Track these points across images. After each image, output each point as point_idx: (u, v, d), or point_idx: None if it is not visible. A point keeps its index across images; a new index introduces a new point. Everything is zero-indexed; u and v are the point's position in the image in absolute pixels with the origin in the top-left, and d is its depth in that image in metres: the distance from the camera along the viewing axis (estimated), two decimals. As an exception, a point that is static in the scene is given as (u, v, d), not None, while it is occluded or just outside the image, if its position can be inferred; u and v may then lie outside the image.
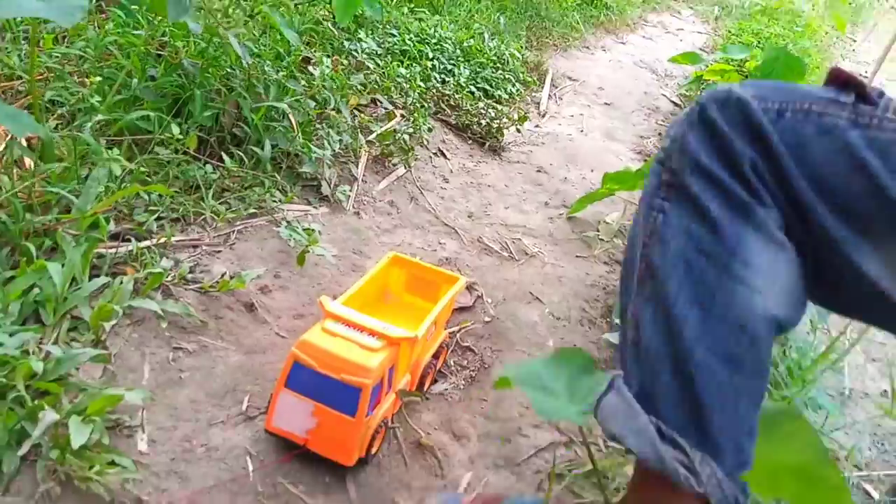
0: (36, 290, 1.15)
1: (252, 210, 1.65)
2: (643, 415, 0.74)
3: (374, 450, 1.12)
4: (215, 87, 1.77)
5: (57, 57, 1.64)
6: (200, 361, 1.23)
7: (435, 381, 1.36)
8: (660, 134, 3.23)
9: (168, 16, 1.57)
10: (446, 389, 1.35)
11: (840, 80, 0.73)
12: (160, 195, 1.51)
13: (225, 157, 1.69)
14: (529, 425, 1.31)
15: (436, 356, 1.34)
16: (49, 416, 0.93)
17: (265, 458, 1.08)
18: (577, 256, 2.01)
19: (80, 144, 1.41)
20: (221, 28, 1.73)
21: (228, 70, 1.82)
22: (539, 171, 2.52)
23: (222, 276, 1.40)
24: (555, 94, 3.36)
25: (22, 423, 0.94)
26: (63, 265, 1.18)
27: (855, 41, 8.13)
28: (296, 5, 2.39)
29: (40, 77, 1.59)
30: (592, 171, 2.62)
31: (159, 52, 1.76)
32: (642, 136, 3.20)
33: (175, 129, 1.57)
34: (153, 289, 1.29)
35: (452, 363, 1.43)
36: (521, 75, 3.21)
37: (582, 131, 3.03)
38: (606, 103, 3.46)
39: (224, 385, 1.20)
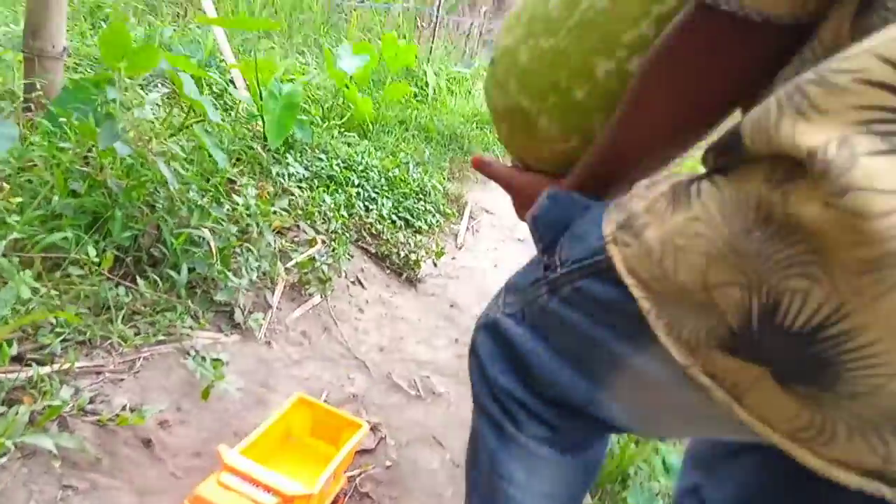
0: (-78, 421, 1.11)
1: (161, 336, 1.64)
2: None
3: None
4: (138, 206, 1.78)
5: (-24, 167, 1.64)
6: (90, 502, 1.19)
7: (330, 531, 1.36)
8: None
9: (99, 143, 1.61)
10: (341, 541, 1.35)
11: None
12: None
13: (139, 279, 1.69)
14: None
15: (333, 505, 1.34)
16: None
17: None
18: (481, 397, 2.05)
19: (-10, 263, 1.40)
20: (150, 154, 1.77)
21: (153, 190, 1.84)
22: (452, 306, 2.60)
23: (123, 408, 1.38)
24: (472, 227, 3.51)
25: None
26: (-45, 394, 1.15)
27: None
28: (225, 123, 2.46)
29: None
30: (503, 308, 2.71)
31: (83, 168, 1.77)
32: (552, 274, 3.34)
33: (91, 251, 1.57)
34: (50, 420, 1.26)
35: (349, 510, 1.43)
36: (441, 207, 3.35)
37: (496, 266, 3.15)
38: (519, 239, 3.62)
39: (111, 530, 1.16)
